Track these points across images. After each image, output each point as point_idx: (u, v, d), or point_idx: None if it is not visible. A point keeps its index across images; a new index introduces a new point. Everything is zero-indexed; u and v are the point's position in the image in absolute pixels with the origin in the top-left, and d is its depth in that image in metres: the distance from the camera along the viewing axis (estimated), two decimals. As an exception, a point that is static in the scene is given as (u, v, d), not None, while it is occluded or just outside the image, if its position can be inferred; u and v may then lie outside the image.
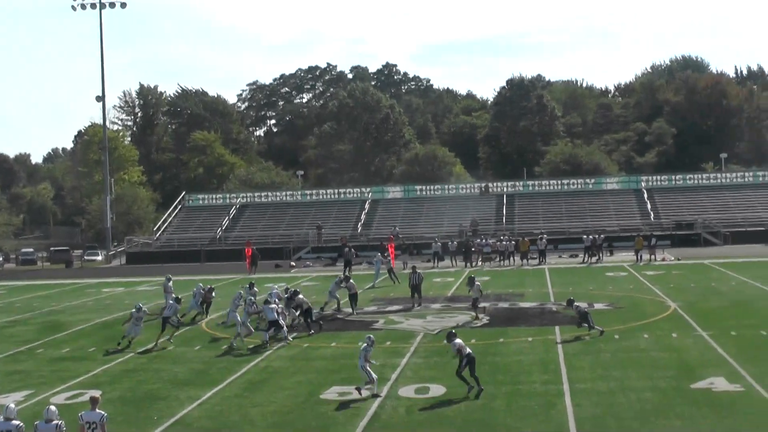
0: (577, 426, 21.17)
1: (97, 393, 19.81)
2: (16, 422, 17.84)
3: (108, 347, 35.23)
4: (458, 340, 25.85)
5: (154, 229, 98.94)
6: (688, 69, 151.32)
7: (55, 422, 17.81)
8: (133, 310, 37.97)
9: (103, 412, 18.58)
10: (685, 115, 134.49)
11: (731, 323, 34.64)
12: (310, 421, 22.69)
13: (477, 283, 37.66)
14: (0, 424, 17.89)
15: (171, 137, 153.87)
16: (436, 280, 55.50)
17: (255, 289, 43.41)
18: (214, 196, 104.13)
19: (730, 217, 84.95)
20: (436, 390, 25.39)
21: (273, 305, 35.05)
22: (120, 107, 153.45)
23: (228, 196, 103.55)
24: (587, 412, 22.37)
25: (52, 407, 18.42)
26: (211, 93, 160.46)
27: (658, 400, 23.24)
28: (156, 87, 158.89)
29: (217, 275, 67.17)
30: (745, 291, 45.64)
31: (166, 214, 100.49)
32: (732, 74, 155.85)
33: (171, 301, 37.44)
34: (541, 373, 27.10)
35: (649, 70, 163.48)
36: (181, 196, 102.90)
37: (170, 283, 44.97)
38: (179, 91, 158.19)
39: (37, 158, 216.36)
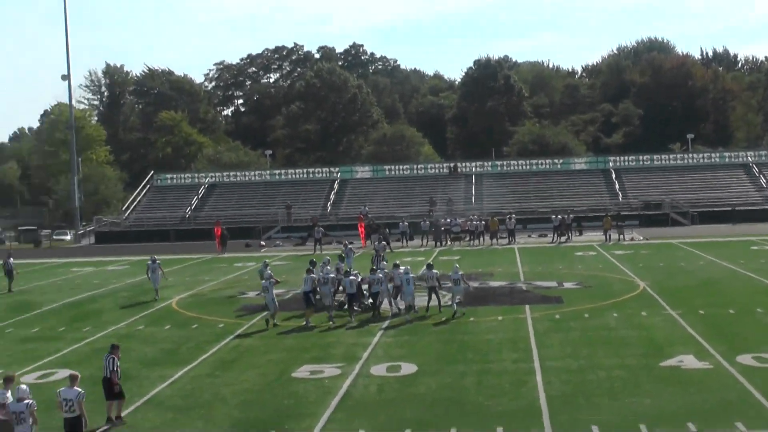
0: (548, 403, 21.27)
1: (75, 372, 19.72)
2: (27, 401, 17.80)
3: (77, 326, 35.18)
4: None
5: (123, 208, 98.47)
6: (654, 50, 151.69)
7: (26, 401, 17.76)
8: (149, 261, 42.55)
9: (80, 390, 18.62)
10: (652, 96, 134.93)
11: (699, 302, 34.87)
12: (282, 400, 22.68)
13: (434, 271, 36.08)
14: (11, 405, 17.84)
15: (138, 117, 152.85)
16: (406, 260, 55.66)
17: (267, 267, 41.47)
18: (182, 176, 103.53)
19: (698, 197, 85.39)
20: (408, 368, 25.45)
21: (353, 277, 34.93)
22: (86, 86, 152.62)
23: (197, 175, 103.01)
24: (557, 389, 22.49)
25: (23, 386, 18.38)
26: (178, 72, 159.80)
27: (628, 378, 23.39)
28: (122, 66, 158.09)
29: (186, 254, 67.06)
30: (712, 270, 45.96)
31: (134, 194, 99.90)
32: (698, 56, 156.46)
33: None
34: (512, 352, 27.21)
35: (616, 51, 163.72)
36: (149, 176, 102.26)
37: (268, 269, 41.00)
38: (146, 71, 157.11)
39: (2, 137, 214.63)
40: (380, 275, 34.99)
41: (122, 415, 21.23)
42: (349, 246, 47.09)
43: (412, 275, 34.92)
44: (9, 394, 18.32)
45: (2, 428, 17.94)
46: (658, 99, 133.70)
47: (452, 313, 34.13)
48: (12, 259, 49.42)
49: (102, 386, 21.61)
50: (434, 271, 35.71)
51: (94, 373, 25.53)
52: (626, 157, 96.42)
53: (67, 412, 18.48)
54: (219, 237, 69.18)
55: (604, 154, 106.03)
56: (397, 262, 38.19)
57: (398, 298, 35.03)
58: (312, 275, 34.54)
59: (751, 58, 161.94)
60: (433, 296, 34.97)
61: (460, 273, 35.09)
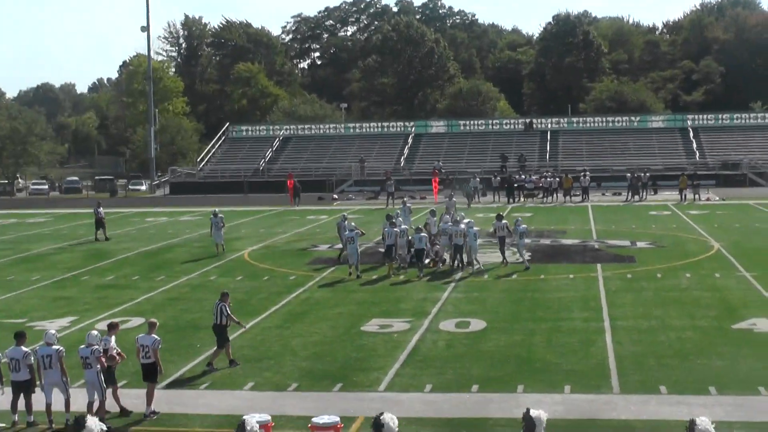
0: (617, 363, 21.17)
1: (154, 319, 20.06)
2: (56, 347, 18.11)
3: (151, 275, 35.74)
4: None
5: (198, 160, 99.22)
6: (738, 6, 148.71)
7: (55, 347, 18.07)
8: (211, 216, 42.44)
9: (156, 337, 18.89)
10: (734, 54, 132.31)
11: (775, 264, 34.41)
12: (351, 353, 22.85)
13: (504, 221, 36.49)
14: (40, 349, 18.18)
15: (215, 69, 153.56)
16: (478, 215, 55.46)
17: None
18: (257, 128, 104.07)
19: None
20: (476, 324, 25.47)
21: (424, 233, 34.98)
22: (165, 38, 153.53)
23: (271, 128, 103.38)
24: (627, 349, 22.37)
25: (51, 330, 18.83)
26: (256, 25, 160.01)
27: (699, 339, 23.20)
28: (200, 18, 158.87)
29: (260, 206, 67.61)
30: (789, 232, 45.29)
31: (209, 145, 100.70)
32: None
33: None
34: (582, 310, 27.10)
35: (698, 7, 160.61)
36: (224, 128, 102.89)
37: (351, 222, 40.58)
38: (223, 23, 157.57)
39: (82, 88, 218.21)
40: (423, 234, 34.87)
41: (212, 362, 21.81)
42: (408, 204, 46.55)
43: (476, 229, 34.95)
44: (113, 341, 18.67)
45: (105, 374, 18.34)
46: (740, 57, 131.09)
47: (524, 267, 34.34)
48: (102, 208, 50.02)
49: (214, 332, 22.20)
50: (504, 221, 35.88)
51: (167, 322, 25.99)
52: (705, 116, 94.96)
53: (144, 358, 18.80)
54: (292, 189, 69.53)
55: (683, 112, 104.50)
56: (457, 218, 37.99)
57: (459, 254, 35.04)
58: (395, 229, 34.79)
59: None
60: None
61: (523, 226, 35.27)
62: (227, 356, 21.91)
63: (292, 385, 20.33)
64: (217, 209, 44.68)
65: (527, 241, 35.91)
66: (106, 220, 50.29)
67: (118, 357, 18.62)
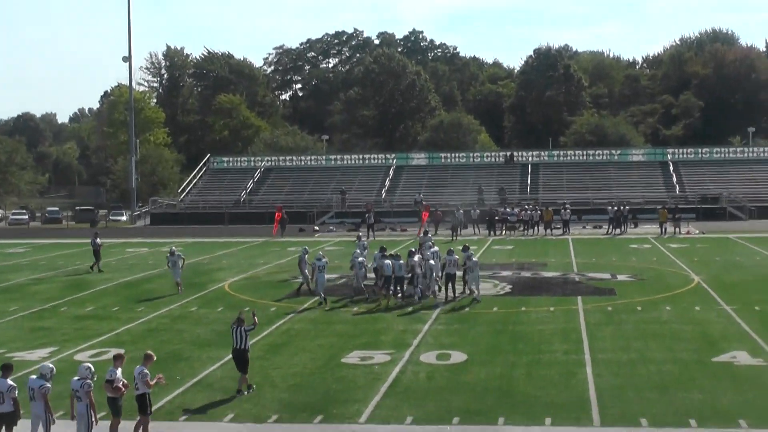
0: (597, 395, 21.16)
1: (150, 351, 19.87)
2: (41, 382, 17.81)
3: (131, 306, 35.62)
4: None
5: (179, 190, 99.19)
6: (717, 42, 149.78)
7: (39, 382, 17.81)
8: (168, 255, 40.60)
9: (144, 369, 18.53)
10: (713, 89, 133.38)
11: (755, 298, 34.51)
12: (331, 384, 22.77)
13: (470, 252, 37.03)
14: (29, 380, 18.04)
15: (197, 99, 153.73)
16: (458, 248, 55.45)
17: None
18: (239, 159, 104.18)
19: (756, 191, 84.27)
20: (457, 357, 25.45)
21: (401, 261, 35.16)
22: (146, 68, 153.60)
23: (253, 159, 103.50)
24: (608, 382, 22.37)
25: (48, 364, 18.64)
26: (238, 56, 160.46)
27: (679, 372, 23.22)
28: (182, 49, 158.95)
29: (241, 237, 67.51)
30: (769, 266, 45.45)
31: (191, 176, 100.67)
32: (762, 48, 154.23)
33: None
34: (562, 343, 27.10)
35: (678, 42, 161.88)
36: (206, 158, 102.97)
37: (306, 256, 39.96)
38: (205, 54, 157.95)
39: (63, 118, 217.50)
40: (401, 261, 35.11)
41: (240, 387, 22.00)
42: (362, 240, 45.29)
43: (476, 259, 35.27)
44: (119, 372, 18.43)
45: (111, 405, 18.24)
46: (719, 91, 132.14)
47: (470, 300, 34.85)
48: (99, 239, 49.74)
49: (234, 358, 22.34)
50: (470, 252, 36.67)
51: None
52: (685, 150, 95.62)
53: (135, 390, 18.57)
54: (278, 221, 69.35)
55: (663, 146, 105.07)
56: (413, 249, 38.26)
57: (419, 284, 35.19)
58: (387, 261, 35.06)
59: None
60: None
61: (474, 260, 35.61)
62: (240, 383, 22.10)
63: (272, 416, 20.23)
64: (174, 247, 43.66)
65: (480, 273, 36.19)
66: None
67: (123, 388, 18.37)
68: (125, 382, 18.46)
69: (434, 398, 21.27)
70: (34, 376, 18.13)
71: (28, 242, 70.12)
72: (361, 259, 37.52)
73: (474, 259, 36.13)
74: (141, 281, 43.89)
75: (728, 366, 23.85)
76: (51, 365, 18.56)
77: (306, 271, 37.95)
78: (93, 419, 17.74)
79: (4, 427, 17.97)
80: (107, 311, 34.92)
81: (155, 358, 19.60)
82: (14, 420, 17.94)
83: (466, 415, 19.87)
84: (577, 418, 19.52)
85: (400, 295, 34.79)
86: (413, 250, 37.43)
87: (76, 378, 17.92)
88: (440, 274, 36.24)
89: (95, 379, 18.05)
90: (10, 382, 17.98)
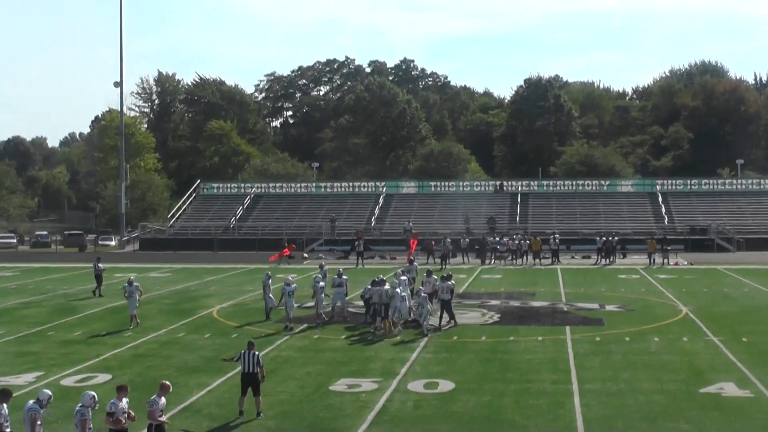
0: (585, 426, 21.16)
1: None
2: (34, 407, 17.54)
3: (119, 331, 35.51)
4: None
5: (169, 216, 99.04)
6: (706, 74, 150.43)
7: (31, 407, 17.56)
8: (125, 285, 39.02)
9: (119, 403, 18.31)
10: (703, 120, 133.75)
11: (743, 329, 34.58)
12: (319, 413, 22.71)
13: (433, 277, 38.54)
14: (26, 405, 17.93)
15: (188, 125, 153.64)
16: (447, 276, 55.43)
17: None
18: (229, 185, 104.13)
19: (744, 223, 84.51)
20: (445, 385, 25.40)
21: (387, 287, 35.45)
22: (138, 94, 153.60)
23: (243, 185, 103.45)
24: (596, 412, 22.36)
25: (46, 391, 18.15)
26: (229, 82, 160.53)
27: (667, 403, 23.21)
28: (174, 75, 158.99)
29: (230, 264, 67.41)
30: (757, 297, 45.53)
31: (180, 202, 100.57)
32: (751, 81, 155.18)
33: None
34: (551, 373, 27.09)
35: (668, 74, 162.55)
36: (196, 184, 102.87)
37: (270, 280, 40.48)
38: (197, 80, 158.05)
39: (53, 142, 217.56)
40: (386, 287, 35.47)
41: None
42: (325, 269, 45.09)
43: (399, 290, 35.12)
44: (123, 403, 18.01)
45: None
46: (709, 123, 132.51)
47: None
48: (101, 264, 49.69)
49: (243, 381, 22.41)
50: (449, 282, 36.53)
51: (134, 379, 25.75)
52: (673, 181, 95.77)
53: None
54: (285, 254, 69.31)
55: (652, 177, 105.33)
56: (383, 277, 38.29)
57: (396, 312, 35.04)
58: (386, 287, 35.33)
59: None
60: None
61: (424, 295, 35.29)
62: (258, 405, 22.34)
63: (259, 444, 20.18)
64: (132, 276, 41.81)
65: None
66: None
67: (125, 420, 18.07)
68: (131, 413, 18.20)
69: (421, 427, 21.24)
70: (31, 401, 18.02)
71: (16, 266, 69.99)
72: (321, 284, 37.74)
73: (438, 284, 37.05)
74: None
75: (716, 397, 23.86)
76: (49, 392, 18.39)
77: (270, 295, 38.92)
78: None
79: None
80: (95, 336, 34.80)
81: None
82: None
83: (454, 444, 19.83)
84: (564, 448, 19.49)
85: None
86: (376, 279, 37.21)
87: (78, 405, 17.80)
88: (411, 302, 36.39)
89: (96, 408, 17.87)
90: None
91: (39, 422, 17.71)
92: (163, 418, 18.58)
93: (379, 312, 34.94)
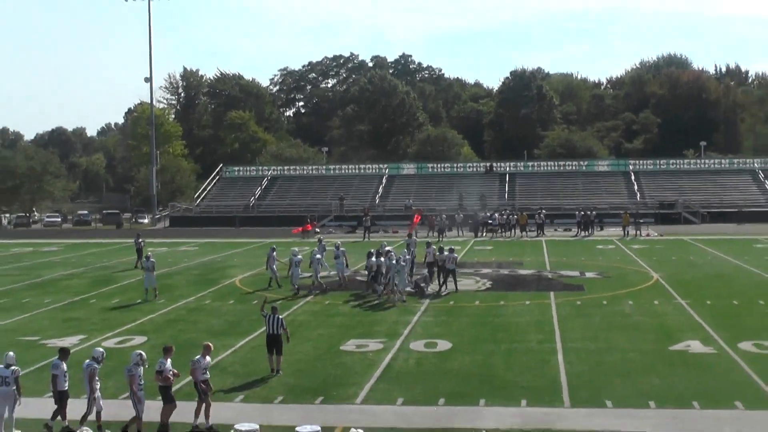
0: (568, 380, 21.18)
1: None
2: (14, 367, 17.61)
3: (152, 299, 35.50)
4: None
5: (195, 196, 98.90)
6: (672, 65, 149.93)
7: (12, 367, 17.56)
8: (144, 260, 39.14)
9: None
10: (669, 107, 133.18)
11: (707, 293, 34.57)
12: (331, 370, 22.76)
13: (432, 247, 38.74)
14: (85, 363, 17.99)
15: (210, 116, 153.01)
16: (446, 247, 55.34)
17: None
18: (248, 169, 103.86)
19: (708, 198, 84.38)
20: (443, 345, 25.43)
21: (382, 258, 35.11)
22: (165, 88, 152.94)
23: (260, 168, 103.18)
24: (577, 368, 22.38)
25: (11, 353, 18.08)
26: (247, 77, 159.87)
27: (641, 360, 23.23)
28: (197, 70, 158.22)
29: (250, 238, 67.45)
30: (719, 265, 45.46)
31: (205, 184, 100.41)
32: (712, 71, 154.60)
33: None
34: (537, 333, 27.10)
35: (638, 65, 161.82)
36: (219, 168, 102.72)
37: (275, 253, 40.42)
38: (218, 75, 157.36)
39: (91, 131, 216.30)
40: (382, 259, 35.19)
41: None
42: (322, 243, 44.83)
43: (395, 261, 34.36)
44: (169, 363, 18.03)
45: (162, 393, 17.95)
46: (674, 109, 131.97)
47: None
48: (141, 239, 49.63)
49: (269, 342, 22.42)
50: (449, 253, 36.60)
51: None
52: (644, 161, 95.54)
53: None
54: (308, 228, 69.07)
55: (625, 158, 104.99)
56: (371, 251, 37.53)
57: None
58: (381, 259, 35.07)
59: (761, 74, 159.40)
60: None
61: (402, 263, 34.50)
62: (278, 364, 22.40)
63: (278, 398, 20.20)
64: (150, 252, 41.37)
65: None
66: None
67: (172, 377, 18.09)
68: (175, 371, 18.21)
69: (422, 382, 21.26)
70: (88, 360, 18.13)
71: (60, 242, 70.01)
72: (318, 256, 37.88)
73: (438, 254, 37.08)
74: (160, 277, 43.45)
75: (683, 354, 23.88)
76: (101, 349, 18.57)
77: (274, 266, 38.99)
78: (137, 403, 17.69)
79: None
80: (132, 303, 34.84)
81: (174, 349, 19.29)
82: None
83: (451, 398, 19.86)
84: (550, 400, 19.52)
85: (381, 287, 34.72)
86: (372, 252, 36.95)
87: (3, 366, 17.62)
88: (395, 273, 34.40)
89: (146, 366, 18.03)
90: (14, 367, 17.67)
91: (96, 378, 17.83)
92: (207, 375, 18.56)
93: (378, 280, 34.87)
